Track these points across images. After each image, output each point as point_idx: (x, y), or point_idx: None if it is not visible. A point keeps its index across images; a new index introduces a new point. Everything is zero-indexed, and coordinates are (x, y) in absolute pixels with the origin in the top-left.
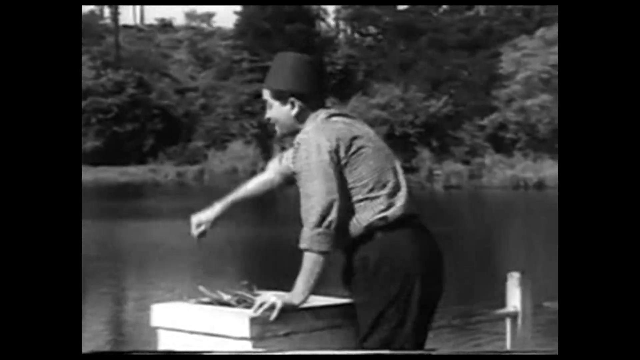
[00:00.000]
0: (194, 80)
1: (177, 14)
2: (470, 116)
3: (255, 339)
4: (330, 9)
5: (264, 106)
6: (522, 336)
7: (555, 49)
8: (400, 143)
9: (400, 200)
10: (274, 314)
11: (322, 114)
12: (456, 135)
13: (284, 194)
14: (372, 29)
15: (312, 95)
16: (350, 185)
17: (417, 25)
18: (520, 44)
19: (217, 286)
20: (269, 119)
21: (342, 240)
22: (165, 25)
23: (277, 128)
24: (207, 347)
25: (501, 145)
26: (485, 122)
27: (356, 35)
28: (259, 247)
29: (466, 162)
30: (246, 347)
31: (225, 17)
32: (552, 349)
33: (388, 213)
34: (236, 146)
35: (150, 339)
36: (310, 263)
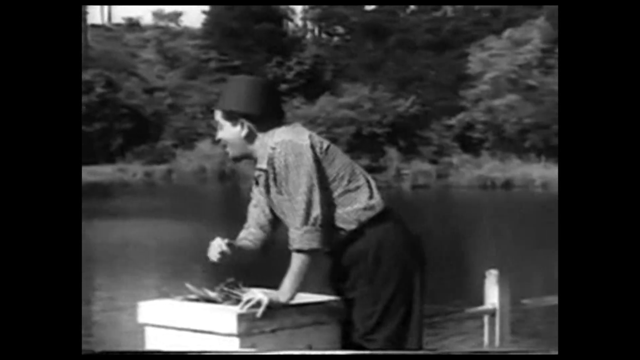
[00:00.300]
0: (161, 79)
1: (144, 13)
2: (438, 116)
3: (243, 335)
4: (298, 9)
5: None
6: (500, 332)
7: (522, 49)
8: (368, 142)
9: (376, 190)
10: (261, 311)
11: (278, 128)
12: (424, 134)
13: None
14: (339, 29)
15: (262, 117)
16: (330, 179)
17: (385, 25)
18: (488, 44)
19: (184, 285)
20: (219, 140)
21: (333, 236)
22: (133, 25)
23: (228, 149)
24: (194, 343)
25: (469, 144)
26: (452, 121)
27: (324, 35)
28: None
29: (434, 162)
30: (233, 343)
31: (193, 16)
32: (527, 344)
33: (373, 202)
34: (204, 145)
35: (118, 338)
36: (298, 263)
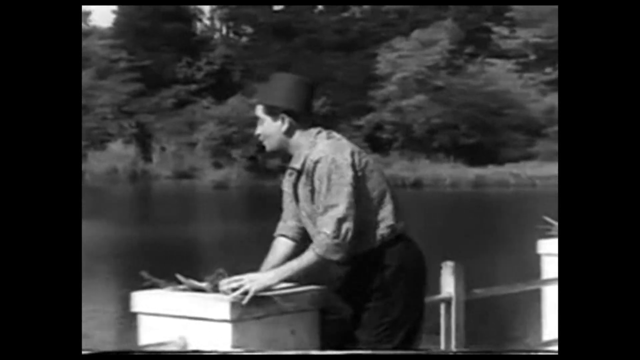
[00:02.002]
0: None
1: None
2: (347, 116)
3: (235, 321)
4: (207, 8)
5: (142, 106)
6: (456, 319)
7: (430, 50)
8: None
9: (400, 210)
10: (247, 299)
11: (322, 133)
12: None
13: (166, 195)
14: (248, 29)
15: (301, 113)
16: (365, 197)
17: (293, 25)
18: (396, 45)
19: (90, 284)
20: (258, 135)
21: (357, 248)
22: None
23: (265, 143)
24: (187, 330)
25: (378, 145)
26: (362, 122)
27: (232, 35)
28: (135, 247)
29: None
30: (226, 328)
31: (102, 16)
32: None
33: (397, 223)
34: (115, 146)
35: None
36: (311, 262)
